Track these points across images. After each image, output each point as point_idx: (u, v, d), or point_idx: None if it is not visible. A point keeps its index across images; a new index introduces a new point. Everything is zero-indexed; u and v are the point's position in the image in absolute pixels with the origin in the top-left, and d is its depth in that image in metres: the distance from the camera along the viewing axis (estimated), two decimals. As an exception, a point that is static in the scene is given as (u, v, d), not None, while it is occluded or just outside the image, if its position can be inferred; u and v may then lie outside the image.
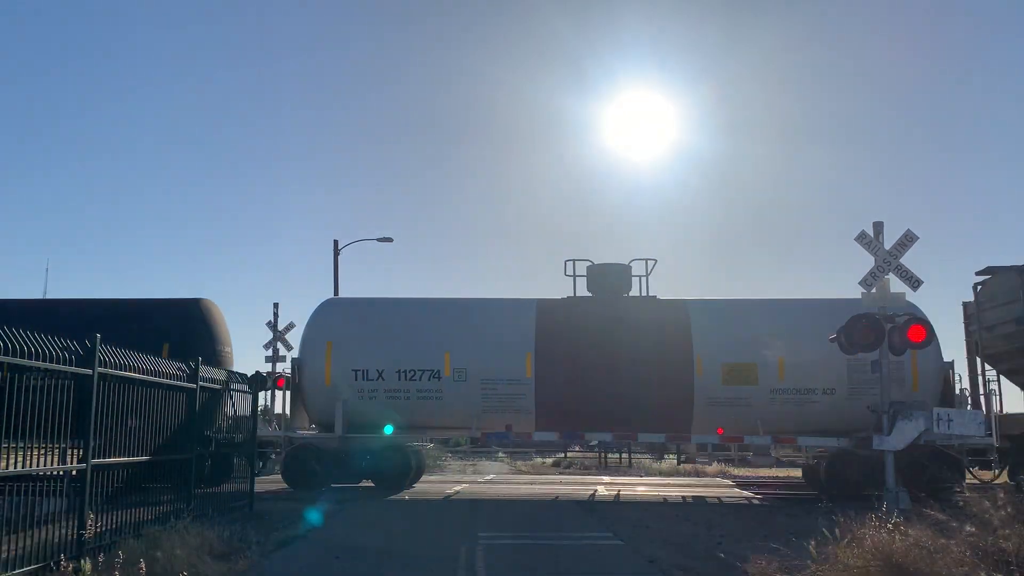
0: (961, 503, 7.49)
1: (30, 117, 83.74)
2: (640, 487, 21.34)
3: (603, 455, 29.96)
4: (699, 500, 17.56)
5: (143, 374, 9.45)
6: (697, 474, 27.30)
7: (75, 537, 7.86)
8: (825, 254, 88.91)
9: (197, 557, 8.28)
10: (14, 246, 78.31)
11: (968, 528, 7.02)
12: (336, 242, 30.89)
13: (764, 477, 25.96)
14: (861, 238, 14.61)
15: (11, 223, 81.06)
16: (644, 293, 19.24)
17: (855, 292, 14.92)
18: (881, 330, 14.27)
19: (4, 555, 6.76)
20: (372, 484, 18.48)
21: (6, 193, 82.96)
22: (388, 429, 17.94)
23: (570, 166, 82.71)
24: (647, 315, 18.44)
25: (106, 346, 8.47)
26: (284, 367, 21.62)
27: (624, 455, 30.04)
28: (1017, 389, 18.32)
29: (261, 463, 19.55)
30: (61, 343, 7.68)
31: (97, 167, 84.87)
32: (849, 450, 16.92)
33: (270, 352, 22.71)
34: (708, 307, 18.87)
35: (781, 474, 27.64)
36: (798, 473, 27.18)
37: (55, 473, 7.95)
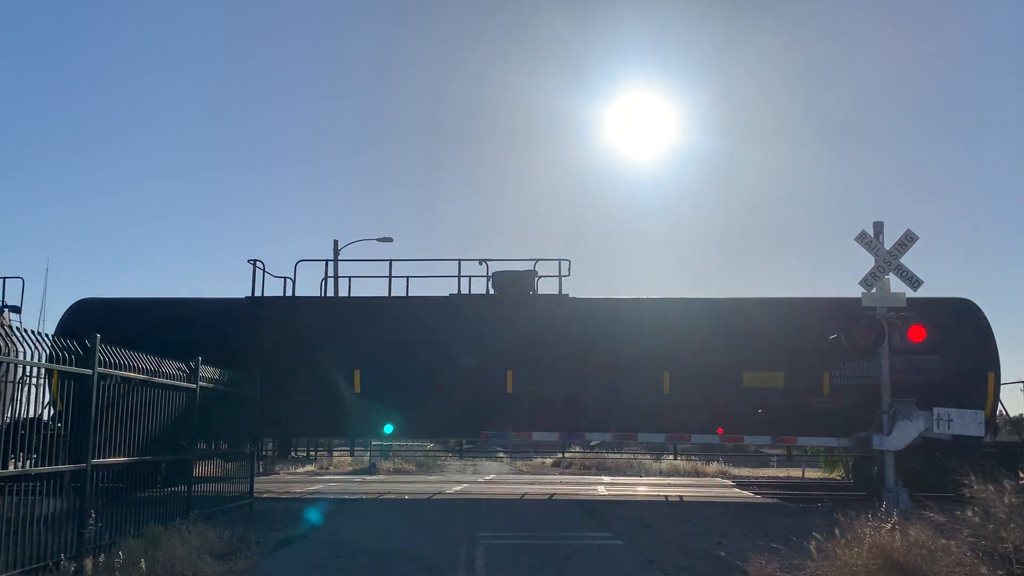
0: (967, 494, 7.46)
1: (29, 116, 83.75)
2: (640, 487, 21.33)
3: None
4: (699, 500, 17.55)
5: (142, 374, 9.45)
6: (697, 474, 27.27)
7: (75, 536, 7.85)
8: (825, 254, 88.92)
9: (197, 557, 8.28)
10: (14, 244, 78.30)
11: (968, 514, 7.02)
12: (336, 242, 30.89)
13: (764, 477, 25.95)
14: (861, 238, 14.61)
15: (11, 221, 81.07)
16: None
17: (855, 292, 14.93)
18: (882, 330, 14.28)
19: (4, 555, 6.74)
20: None
21: (6, 190, 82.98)
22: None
23: (570, 166, 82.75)
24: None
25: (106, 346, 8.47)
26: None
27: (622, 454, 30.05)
28: None
29: None
30: (61, 343, 7.67)
31: (97, 166, 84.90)
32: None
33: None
34: None
35: (781, 474, 27.64)
36: (798, 473, 27.20)
37: (56, 473, 7.93)
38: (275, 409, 16.96)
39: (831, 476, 25.29)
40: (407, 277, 18.47)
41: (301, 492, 18.60)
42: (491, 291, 18.32)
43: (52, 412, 10.87)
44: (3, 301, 17.70)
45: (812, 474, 26.68)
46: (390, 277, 18.31)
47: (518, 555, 9.54)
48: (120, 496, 9.08)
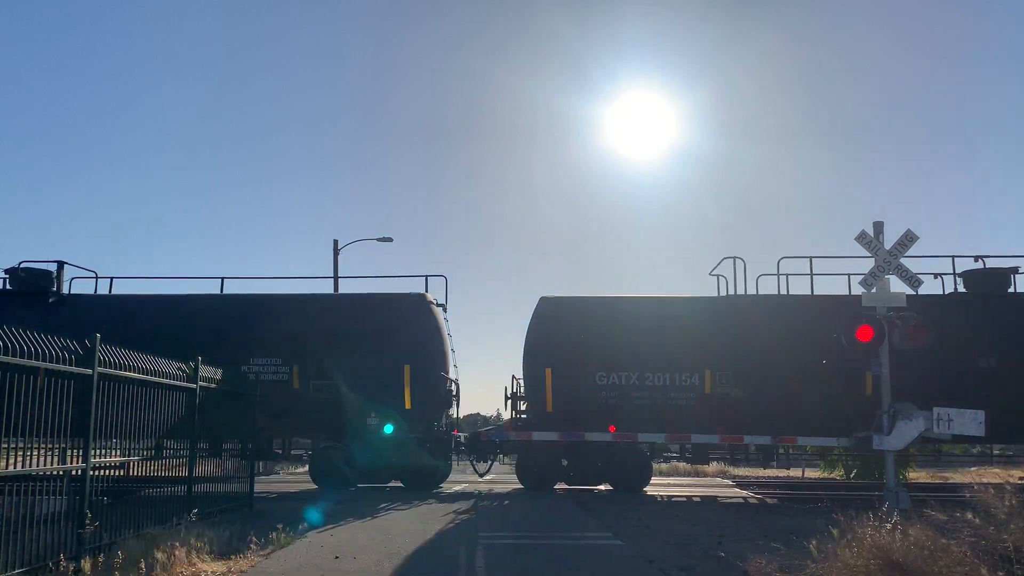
0: (968, 495, 7.48)
1: (29, 116, 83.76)
2: (640, 487, 21.29)
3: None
4: (699, 500, 17.55)
5: (143, 374, 9.43)
6: (697, 474, 27.25)
7: (74, 537, 7.84)
8: (824, 254, 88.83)
9: (197, 556, 8.28)
10: (14, 244, 78.36)
11: (969, 516, 7.02)
12: (336, 242, 30.97)
13: (764, 477, 25.94)
14: (861, 238, 14.61)
15: (11, 221, 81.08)
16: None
17: (854, 292, 14.92)
18: (881, 329, 14.26)
19: (3, 555, 6.73)
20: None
21: (7, 190, 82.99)
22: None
23: (570, 166, 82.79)
24: None
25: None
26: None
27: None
28: None
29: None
30: (61, 343, 7.64)
31: (97, 166, 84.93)
32: None
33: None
34: None
35: (781, 474, 27.62)
36: (798, 473, 27.17)
37: (55, 473, 7.92)
38: (759, 407, 17.32)
39: (831, 476, 25.27)
40: (810, 274, 18.42)
41: (298, 491, 18.60)
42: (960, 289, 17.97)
43: None
44: (435, 299, 19.92)
45: (812, 474, 26.67)
46: (825, 275, 18.41)
47: (518, 555, 9.53)
48: (120, 496, 9.07)
